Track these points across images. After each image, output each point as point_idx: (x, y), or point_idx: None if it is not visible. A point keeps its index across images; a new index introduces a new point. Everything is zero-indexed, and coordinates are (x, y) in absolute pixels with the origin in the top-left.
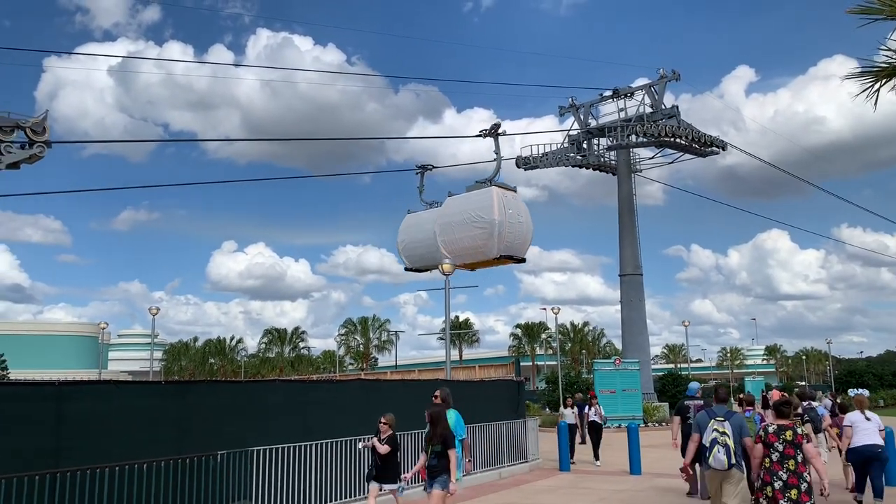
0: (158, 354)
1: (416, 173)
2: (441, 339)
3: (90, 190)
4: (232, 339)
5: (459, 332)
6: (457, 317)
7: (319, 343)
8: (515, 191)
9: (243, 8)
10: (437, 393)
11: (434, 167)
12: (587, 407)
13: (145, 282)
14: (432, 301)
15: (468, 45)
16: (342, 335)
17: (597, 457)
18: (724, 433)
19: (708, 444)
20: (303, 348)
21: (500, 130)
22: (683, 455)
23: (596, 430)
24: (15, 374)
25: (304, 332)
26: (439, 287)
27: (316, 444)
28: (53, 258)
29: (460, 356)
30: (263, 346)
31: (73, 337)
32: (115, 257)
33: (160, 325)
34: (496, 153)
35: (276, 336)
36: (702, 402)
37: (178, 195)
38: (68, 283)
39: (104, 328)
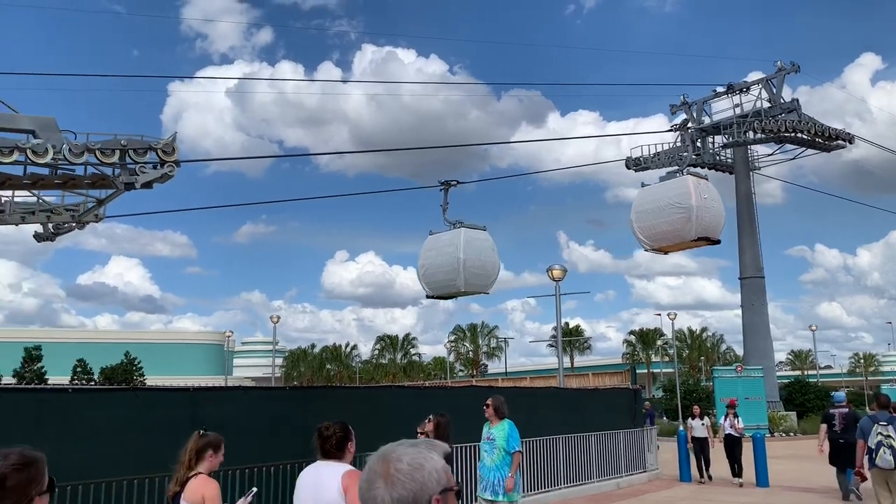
0: (279, 361)
1: (440, 190)
2: (551, 345)
3: (213, 207)
4: (346, 345)
5: (570, 339)
6: (567, 323)
7: (429, 349)
8: (707, 178)
9: (349, 25)
10: (489, 401)
11: (459, 182)
12: (723, 418)
13: (265, 291)
14: (540, 307)
15: (571, 48)
16: (452, 342)
17: (736, 473)
18: (888, 436)
19: (874, 447)
20: (414, 355)
21: (688, 125)
22: (831, 461)
23: (731, 445)
24: (150, 380)
25: (414, 339)
26: (548, 293)
27: None
28: (181, 271)
29: (572, 363)
30: (376, 352)
31: (201, 345)
32: (237, 269)
33: (279, 333)
34: (687, 146)
35: (388, 343)
36: (847, 410)
37: (292, 208)
38: (195, 294)
39: (229, 336)
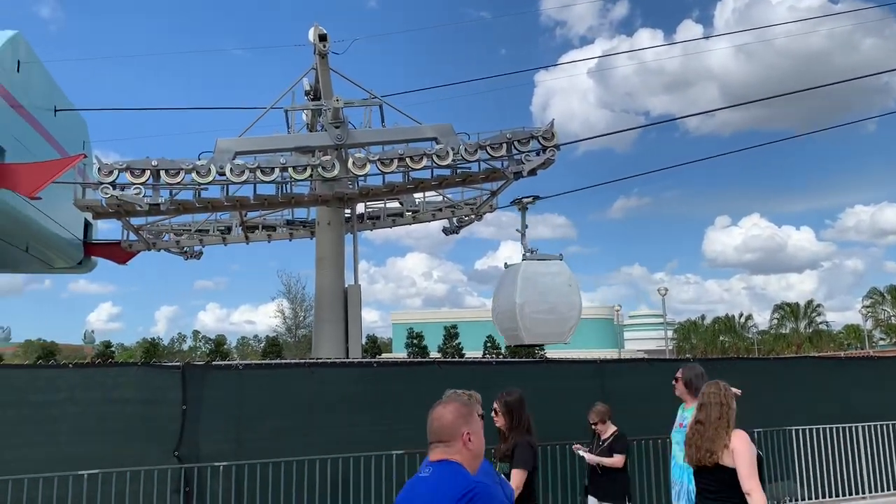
0: (669, 333)
1: (519, 209)
2: None
3: (586, 187)
4: (739, 315)
5: None
6: None
7: (837, 317)
8: None
9: None
10: (679, 374)
11: (539, 198)
12: None
13: (645, 265)
14: None
15: None
16: (867, 307)
17: None
18: None
19: None
20: (820, 323)
21: None
22: None
23: None
24: (549, 354)
25: (819, 306)
26: None
27: (861, 427)
28: (563, 250)
29: None
30: (775, 321)
31: (592, 320)
32: (615, 244)
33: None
34: None
35: (787, 311)
36: None
37: (665, 178)
38: (577, 271)
39: (618, 310)
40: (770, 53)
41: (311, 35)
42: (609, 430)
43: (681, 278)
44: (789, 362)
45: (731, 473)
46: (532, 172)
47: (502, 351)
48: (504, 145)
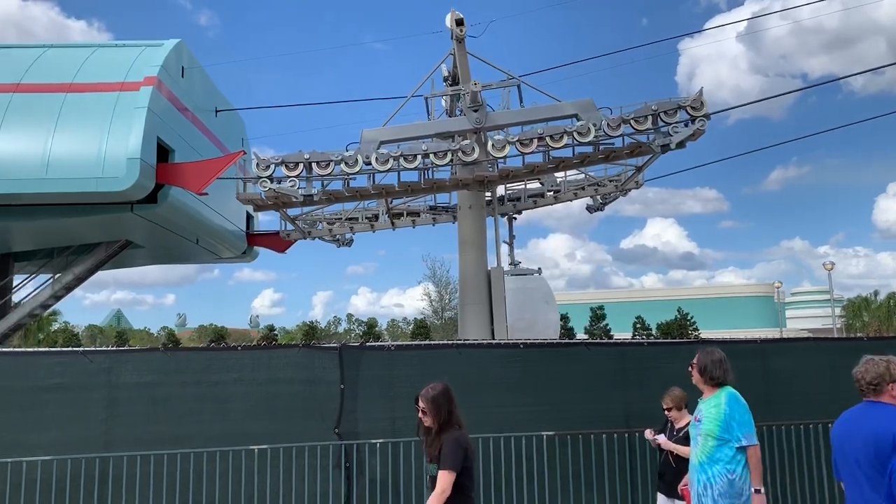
0: (837, 311)
1: (504, 217)
2: None
3: (737, 156)
4: None
5: None
6: None
7: None
8: None
9: None
10: (695, 360)
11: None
12: None
13: (807, 238)
14: None
15: None
16: None
17: None
18: None
19: None
20: None
21: None
22: None
23: None
24: (703, 334)
25: None
26: None
27: None
28: (715, 225)
29: None
30: None
31: (749, 298)
32: (772, 217)
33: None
34: None
35: None
36: None
37: (827, 144)
38: (732, 248)
39: (778, 287)
40: None
41: (448, 20)
42: (685, 418)
43: (848, 251)
44: None
45: None
46: (681, 145)
47: (653, 332)
48: (649, 118)
